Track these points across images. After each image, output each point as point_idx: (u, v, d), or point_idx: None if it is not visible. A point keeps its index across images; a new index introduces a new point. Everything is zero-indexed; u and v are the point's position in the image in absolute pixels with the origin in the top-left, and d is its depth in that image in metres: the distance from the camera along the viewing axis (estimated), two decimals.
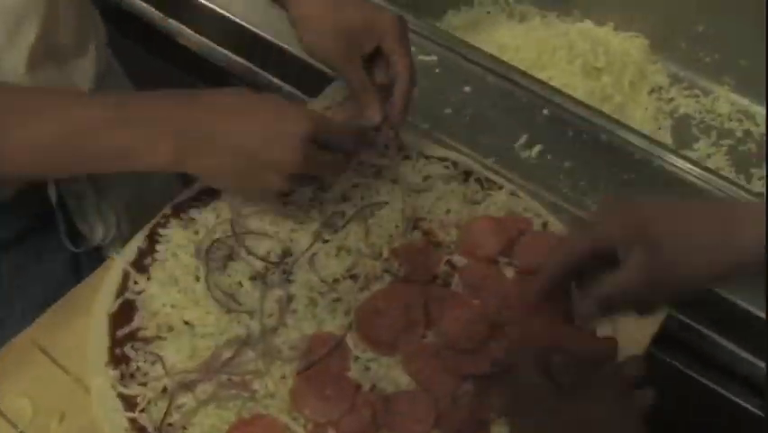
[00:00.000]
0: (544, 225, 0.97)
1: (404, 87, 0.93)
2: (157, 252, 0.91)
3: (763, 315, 0.93)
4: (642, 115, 1.37)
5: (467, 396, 0.81)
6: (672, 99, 1.43)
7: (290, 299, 0.87)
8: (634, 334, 0.87)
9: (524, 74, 1.14)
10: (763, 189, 1.28)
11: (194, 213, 0.95)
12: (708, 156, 1.37)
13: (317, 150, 0.84)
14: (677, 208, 0.77)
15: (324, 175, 0.92)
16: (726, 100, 1.43)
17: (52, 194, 0.95)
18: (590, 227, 0.79)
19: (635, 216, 0.75)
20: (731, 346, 1.00)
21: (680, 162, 1.06)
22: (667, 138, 1.38)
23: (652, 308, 0.80)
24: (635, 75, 1.40)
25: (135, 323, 0.85)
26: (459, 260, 0.92)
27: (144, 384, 0.80)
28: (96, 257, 0.99)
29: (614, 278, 0.74)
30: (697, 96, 1.44)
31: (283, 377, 0.82)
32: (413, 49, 1.09)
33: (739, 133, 1.40)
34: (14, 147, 0.79)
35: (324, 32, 0.92)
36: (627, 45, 1.43)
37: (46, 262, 0.98)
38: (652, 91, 1.43)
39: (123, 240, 0.97)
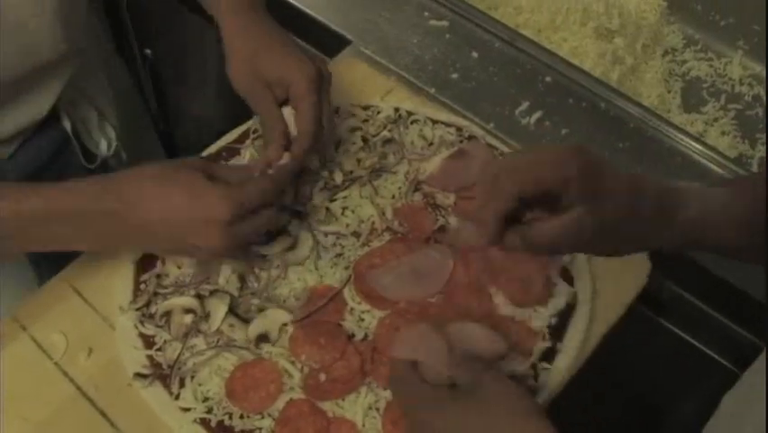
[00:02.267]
0: None
1: (302, 141, 0.92)
2: None
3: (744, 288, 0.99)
4: (652, 77, 1.40)
5: None
6: (684, 62, 1.46)
7: (293, 247, 0.96)
8: (612, 297, 0.95)
9: (529, 41, 1.19)
10: (763, 156, 1.32)
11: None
12: (716, 120, 1.40)
13: (243, 223, 0.85)
14: (631, 180, 0.75)
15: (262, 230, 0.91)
16: (739, 64, 1.45)
17: (66, 124, 1.09)
18: (545, 162, 0.73)
19: (593, 170, 0.72)
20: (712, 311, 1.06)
21: (672, 133, 1.11)
22: (676, 100, 1.41)
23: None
24: (649, 37, 1.42)
25: (157, 269, 0.95)
26: (452, 222, 1.00)
27: (161, 326, 0.91)
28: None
29: (551, 223, 0.72)
30: (710, 59, 1.46)
31: (285, 325, 0.91)
32: (425, 13, 1.15)
33: (748, 98, 1.42)
34: None
35: (244, 72, 0.94)
36: (644, 6, 1.45)
37: None
38: (665, 53, 1.46)
39: (126, 150, 1.15)
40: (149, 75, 1.68)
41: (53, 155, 1.10)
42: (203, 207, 0.83)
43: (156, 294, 0.92)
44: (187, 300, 0.92)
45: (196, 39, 1.50)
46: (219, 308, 0.91)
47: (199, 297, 0.92)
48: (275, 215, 0.90)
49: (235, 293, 0.93)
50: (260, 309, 0.92)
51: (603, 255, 0.79)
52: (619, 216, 0.73)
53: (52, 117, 1.07)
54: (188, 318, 0.90)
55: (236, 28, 0.96)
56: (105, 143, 1.18)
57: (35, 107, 1.02)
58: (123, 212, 0.84)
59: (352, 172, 1.03)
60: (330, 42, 1.20)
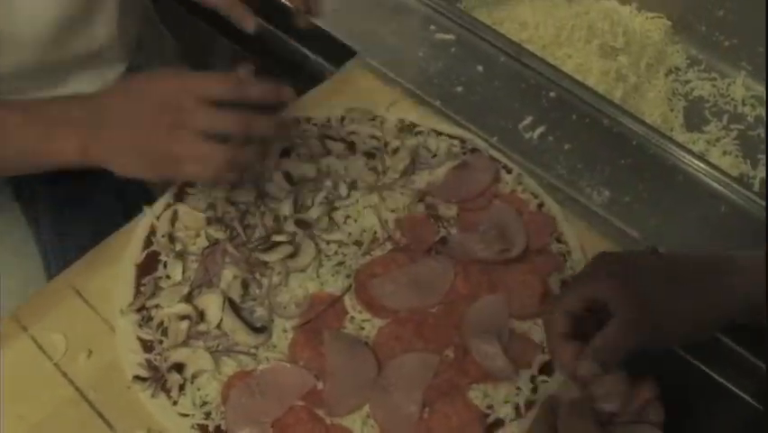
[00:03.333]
0: (540, 205, 1.04)
1: None
2: (180, 208, 1.01)
3: None
4: (655, 96, 1.41)
5: (446, 362, 0.90)
6: (688, 81, 1.47)
7: (295, 255, 0.96)
8: None
9: (534, 56, 1.19)
10: (764, 176, 1.33)
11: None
12: (718, 139, 1.41)
13: (220, 108, 0.85)
14: (665, 265, 0.80)
15: (242, 150, 0.87)
16: (742, 85, 1.46)
17: None
18: (581, 280, 0.81)
19: (621, 270, 0.79)
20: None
21: (675, 151, 1.12)
22: (679, 119, 1.42)
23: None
24: (654, 56, 1.44)
25: (158, 273, 0.95)
26: (454, 235, 1.00)
27: (160, 335, 0.91)
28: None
29: (603, 334, 0.76)
30: (713, 79, 1.47)
31: (284, 331, 0.92)
32: (432, 26, 1.16)
33: (751, 119, 1.43)
34: None
35: None
36: (649, 26, 1.46)
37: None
38: (669, 72, 1.47)
39: None
40: None
41: None
42: (174, 84, 0.86)
43: (153, 296, 0.92)
44: (180, 308, 0.91)
45: (201, 49, 1.51)
46: (212, 303, 0.91)
47: (190, 297, 0.92)
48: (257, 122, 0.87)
49: (237, 300, 0.93)
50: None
51: (676, 344, 0.85)
52: (658, 302, 0.77)
53: None
54: (184, 325, 0.90)
55: None
56: None
57: None
58: (106, 107, 0.88)
59: (355, 182, 1.03)
60: (336, 53, 1.20)
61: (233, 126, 0.86)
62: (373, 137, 1.08)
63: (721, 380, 1.02)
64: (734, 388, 1.00)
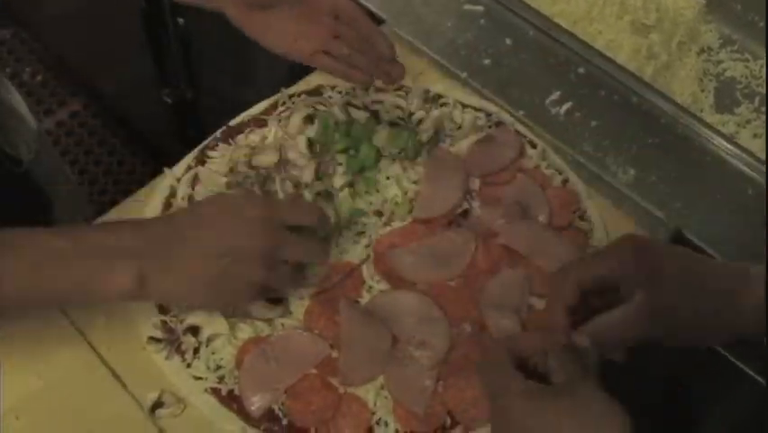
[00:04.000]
0: (564, 181, 1.03)
1: (383, 43, 0.99)
2: (201, 171, 1.00)
3: None
4: (686, 75, 1.38)
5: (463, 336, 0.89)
6: (720, 62, 1.43)
7: None
8: None
9: (564, 31, 1.17)
10: None
11: (241, 138, 1.04)
12: (748, 122, 1.37)
13: (285, 231, 0.84)
14: (691, 261, 0.78)
15: (293, 272, 0.87)
16: None
17: None
18: (603, 256, 0.79)
19: (648, 257, 0.76)
20: None
21: (704, 131, 1.10)
22: (709, 100, 1.39)
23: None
24: (686, 34, 1.40)
25: None
26: (475, 209, 0.99)
27: None
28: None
29: (612, 315, 0.75)
30: (746, 60, 1.44)
31: (301, 298, 0.91)
32: None
33: None
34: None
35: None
36: (682, 3, 1.43)
37: None
38: (701, 52, 1.44)
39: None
40: (180, 42, 1.68)
41: None
42: (243, 209, 0.83)
43: None
44: None
45: None
46: None
47: None
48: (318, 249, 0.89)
49: None
50: None
51: (674, 345, 0.79)
52: (678, 300, 0.74)
53: None
54: None
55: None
56: (25, 148, 1.12)
57: None
58: (165, 239, 0.81)
59: (378, 152, 1.02)
60: None
61: (318, 257, 0.90)
62: (398, 107, 1.06)
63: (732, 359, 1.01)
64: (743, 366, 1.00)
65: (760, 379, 1.01)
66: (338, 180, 0.99)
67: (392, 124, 1.04)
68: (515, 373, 0.71)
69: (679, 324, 0.76)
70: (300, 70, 1.09)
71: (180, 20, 1.66)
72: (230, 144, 1.03)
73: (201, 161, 1.02)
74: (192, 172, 0.99)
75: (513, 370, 0.71)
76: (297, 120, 1.03)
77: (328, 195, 0.98)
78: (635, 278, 0.74)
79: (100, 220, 0.96)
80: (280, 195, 0.97)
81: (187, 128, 1.90)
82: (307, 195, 0.97)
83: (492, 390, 0.74)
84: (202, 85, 1.82)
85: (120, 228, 0.82)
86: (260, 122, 1.05)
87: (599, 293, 0.77)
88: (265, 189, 0.98)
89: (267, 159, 1.00)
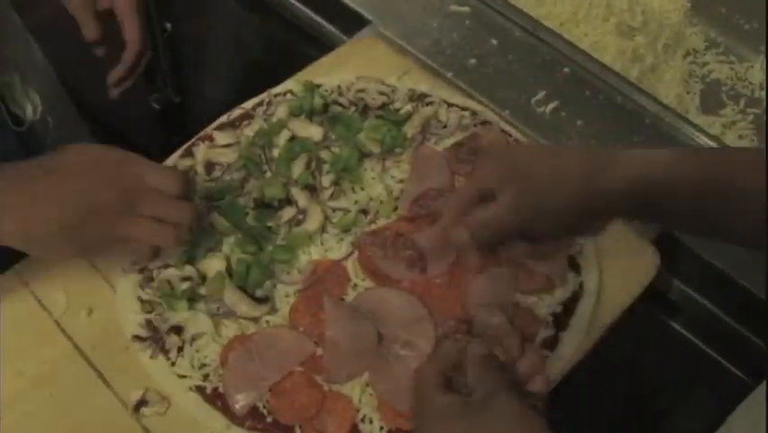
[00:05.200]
0: None
1: (129, 54, 1.08)
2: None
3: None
4: (672, 77, 1.39)
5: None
6: (705, 64, 1.44)
7: (299, 223, 0.95)
8: (618, 290, 0.94)
9: (550, 31, 1.18)
10: None
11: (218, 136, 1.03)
12: (734, 123, 1.38)
13: (144, 185, 0.84)
14: (546, 151, 0.88)
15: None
16: (761, 69, 1.43)
17: None
18: (478, 171, 0.87)
19: (508, 159, 0.85)
20: (715, 310, 1.05)
21: (689, 130, 1.10)
22: (695, 102, 1.40)
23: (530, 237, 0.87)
24: (671, 37, 1.41)
25: None
26: None
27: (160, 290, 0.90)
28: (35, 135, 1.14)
29: (486, 208, 0.82)
30: (731, 62, 1.45)
31: (287, 296, 0.91)
32: None
33: None
34: None
35: None
36: (668, 6, 1.44)
37: None
38: (687, 54, 1.45)
39: (54, 116, 1.16)
40: (167, 47, 1.67)
41: None
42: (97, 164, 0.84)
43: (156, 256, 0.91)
44: (182, 269, 0.91)
45: (218, 15, 1.50)
46: (213, 266, 0.91)
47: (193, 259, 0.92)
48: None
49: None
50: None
51: (546, 234, 0.87)
52: (542, 188, 0.81)
53: None
54: (185, 286, 0.90)
55: None
56: (30, 108, 1.15)
57: None
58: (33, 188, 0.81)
59: (364, 147, 1.02)
60: (350, 21, 1.19)
61: (185, 216, 0.86)
62: (382, 93, 1.07)
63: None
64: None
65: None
66: (324, 179, 0.99)
67: (378, 116, 1.04)
68: (437, 390, 0.75)
69: (546, 210, 0.82)
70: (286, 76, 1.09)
71: (168, 25, 1.66)
72: (212, 141, 1.03)
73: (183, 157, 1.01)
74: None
75: (435, 387, 0.75)
76: (281, 113, 1.03)
77: (314, 190, 0.98)
78: (502, 177, 0.82)
79: None
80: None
81: (175, 133, 1.89)
82: (295, 190, 0.97)
83: (415, 407, 0.78)
84: (190, 90, 1.82)
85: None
86: (247, 116, 1.05)
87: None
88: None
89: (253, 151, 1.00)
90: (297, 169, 0.98)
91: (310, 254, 0.94)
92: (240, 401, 0.84)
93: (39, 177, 0.82)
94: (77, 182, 0.82)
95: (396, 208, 0.98)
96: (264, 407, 0.84)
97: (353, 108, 1.05)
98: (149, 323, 0.88)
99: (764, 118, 1.35)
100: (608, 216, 0.87)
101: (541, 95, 1.12)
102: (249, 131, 1.03)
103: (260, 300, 0.90)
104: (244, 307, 0.89)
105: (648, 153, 0.82)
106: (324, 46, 1.20)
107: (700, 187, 0.78)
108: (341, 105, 1.06)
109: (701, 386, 1.13)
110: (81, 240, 0.83)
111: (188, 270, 0.90)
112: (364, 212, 0.98)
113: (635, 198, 0.79)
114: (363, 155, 1.01)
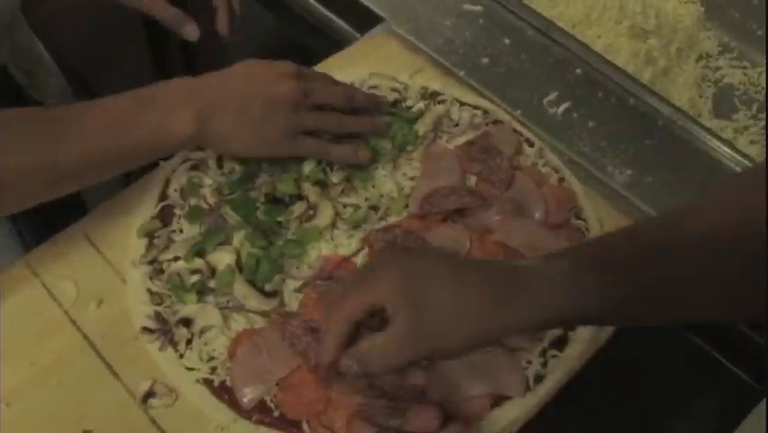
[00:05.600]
0: (561, 180, 1.03)
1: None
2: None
3: None
4: (684, 81, 1.38)
5: None
6: (718, 68, 1.44)
7: (310, 218, 0.96)
8: None
9: (563, 32, 1.18)
10: None
11: None
12: (746, 128, 1.37)
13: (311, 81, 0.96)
14: (445, 268, 0.73)
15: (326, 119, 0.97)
16: None
17: (19, 77, 1.13)
18: (367, 283, 0.74)
19: (405, 278, 0.72)
20: None
21: (701, 133, 1.10)
22: (707, 106, 1.39)
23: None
24: (684, 41, 1.41)
25: (172, 226, 0.95)
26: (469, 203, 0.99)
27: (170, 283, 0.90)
28: None
29: (374, 338, 0.72)
30: (744, 67, 1.44)
31: (296, 290, 0.91)
32: None
33: None
34: (75, 157, 0.86)
35: None
36: (681, 10, 1.43)
37: None
38: (700, 58, 1.44)
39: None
40: (179, 42, 1.68)
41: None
42: (275, 66, 0.95)
43: (166, 249, 0.92)
44: (191, 262, 0.91)
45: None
46: (223, 259, 0.91)
47: (203, 252, 0.92)
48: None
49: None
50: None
51: (463, 355, 0.75)
52: (439, 315, 0.70)
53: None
54: (195, 279, 0.90)
55: None
56: (50, 96, 1.19)
57: None
58: (218, 86, 0.93)
59: (376, 144, 1.02)
60: (363, 19, 1.19)
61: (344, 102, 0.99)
62: (394, 90, 1.07)
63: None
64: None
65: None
66: (335, 175, 0.99)
67: (390, 113, 1.04)
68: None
69: (445, 345, 0.72)
70: None
71: None
72: None
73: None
74: (188, 164, 0.99)
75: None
76: None
77: (325, 186, 0.98)
78: (396, 299, 0.71)
79: (97, 210, 0.97)
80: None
81: None
82: (306, 185, 0.97)
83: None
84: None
85: (174, 84, 0.91)
86: None
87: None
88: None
89: None
90: (309, 164, 0.98)
91: (320, 250, 0.94)
92: (247, 395, 0.84)
93: (221, 84, 0.93)
94: (250, 82, 0.93)
95: (407, 206, 0.98)
96: (272, 401, 0.84)
97: None
98: (158, 315, 0.88)
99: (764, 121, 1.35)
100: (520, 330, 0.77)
101: (553, 95, 1.12)
102: None
103: (270, 295, 0.90)
104: (253, 301, 0.89)
105: (552, 279, 0.71)
106: (336, 43, 1.20)
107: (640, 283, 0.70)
108: None
109: (709, 390, 1.12)
110: (267, 133, 0.93)
111: (198, 262, 0.90)
112: (375, 209, 0.98)
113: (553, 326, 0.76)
114: (375, 156, 1.01)
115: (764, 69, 1.44)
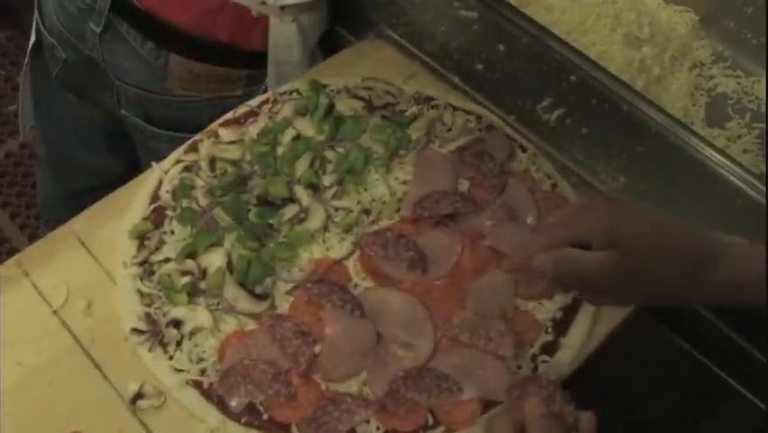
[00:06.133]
0: (553, 186, 1.03)
1: None
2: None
3: None
4: (678, 89, 1.38)
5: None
6: (712, 77, 1.44)
7: (302, 221, 0.95)
8: None
9: (557, 39, 1.18)
10: None
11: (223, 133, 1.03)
12: (739, 137, 1.38)
13: None
14: (663, 230, 0.78)
15: None
16: None
17: None
18: (582, 215, 0.79)
19: (613, 216, 0.76)
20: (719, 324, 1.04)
21: (694, 141, 1.09)
22: (700, 114, 1.40)
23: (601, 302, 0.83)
24: (678, 49, 1.41)
25: (164, 228, 0.95)
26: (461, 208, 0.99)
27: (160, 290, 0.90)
28: None
29: (583, 253, 0.75)
30: (738, 76, 1.44)
31: (287, 293, 0.91)
32: (455, 3, 1.15)
33: None
34: None
35: None
36: (675, 18, 1.44)
37: None
38: (693, 67, 1.44)
39: None
40: None
41: None
42: None
43: (157, 250, 0.92)
44: (182, 263, 0.91)
45: None
46: (214, 261, 0.90)
47: (194, 254, 0.92)
48: None
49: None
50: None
51: (629, 303, 0.83)
52: (647, 263, 0.74)
53: None
54: (185, 280, 0.90)
55: None
56: None
57: None
58: None
59: (369, 148, 1.02)
60: (357, 24, 1.19)
61: None
62: (388, 93, 1.07)
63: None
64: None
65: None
66: (327, 178, 0.99)
67: (384, 117, 1.05)
68: None
69: (646, 288, 0.77)
70: None
71: None
72: (216, 138, 1.03)
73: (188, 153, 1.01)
74: (180, 165, 0.99)
75: None
76: (287, 112, 1.03)
77: (317, 189, 0.98)
78: (606, 236, 0.75)
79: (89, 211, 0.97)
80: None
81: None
82: (298, 188, 0.97)
83: None
84: None
85: None
86: (253, 113, 1.05)
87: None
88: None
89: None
90: (301, 167, 0.98)
91: (311, 253, 0.94)
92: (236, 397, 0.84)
93: None
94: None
95: (398, 210, 0.98)
96: (261, 404, 0.84)
97: (361, 102, 1.05)
98: (148, 316, 0.88)
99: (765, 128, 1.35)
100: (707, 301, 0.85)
101: (547, 101, 1.11)
102: (254, 128, 1.03)
103: (260, 297, 0.90)
104: (244, 303, 0.89)
105: (752, 248, 0.78)
106: (330, 47, 1.20)
107: None
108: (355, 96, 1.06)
109: (703, 405, 1.12)
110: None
111: (189, 264, 0.90)
112: (367, 212, 0.98)
113: (731, 292, 0.78)
114: (368, 160, 1.01)
115: (757, 78, 1.45)
